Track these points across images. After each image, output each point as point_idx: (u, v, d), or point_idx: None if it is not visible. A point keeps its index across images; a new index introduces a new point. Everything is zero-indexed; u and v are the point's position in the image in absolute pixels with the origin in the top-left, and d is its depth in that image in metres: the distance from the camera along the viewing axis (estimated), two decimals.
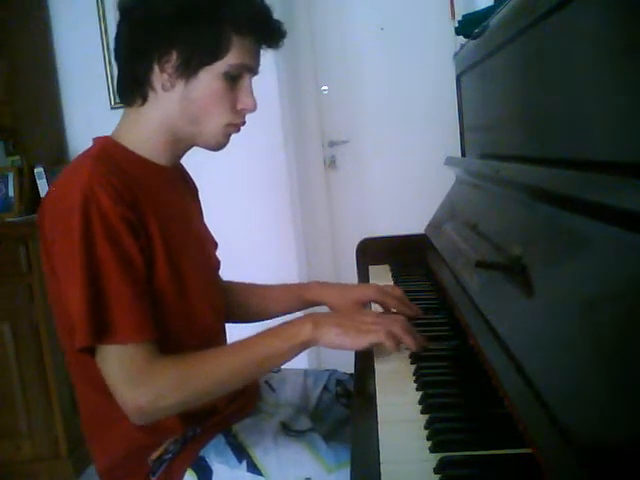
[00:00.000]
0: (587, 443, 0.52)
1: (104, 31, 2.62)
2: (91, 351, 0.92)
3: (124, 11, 1.01)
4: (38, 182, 2.44)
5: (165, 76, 0.99)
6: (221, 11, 0.97)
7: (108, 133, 1.08)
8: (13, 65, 2.42)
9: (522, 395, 0.67)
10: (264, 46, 1.04)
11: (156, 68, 0.99)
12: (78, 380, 1.04)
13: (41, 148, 2.57)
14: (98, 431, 1.06)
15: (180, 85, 1.00)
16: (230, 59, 0.99)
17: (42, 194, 2.43)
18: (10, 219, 2.36)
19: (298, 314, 1.09)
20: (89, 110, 2.66)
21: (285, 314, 1.28)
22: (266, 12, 1.03)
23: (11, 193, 2.43)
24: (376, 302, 1.21)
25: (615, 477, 0.47)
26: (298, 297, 1.28)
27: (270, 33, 1.03)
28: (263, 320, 1.27)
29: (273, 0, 1.06)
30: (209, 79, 0.99)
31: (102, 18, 2.62)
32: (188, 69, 0.98)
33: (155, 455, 1.03)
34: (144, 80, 1.01)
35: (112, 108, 2.65)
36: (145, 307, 0.93)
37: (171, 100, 1.01)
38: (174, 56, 0.98)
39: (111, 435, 1.03)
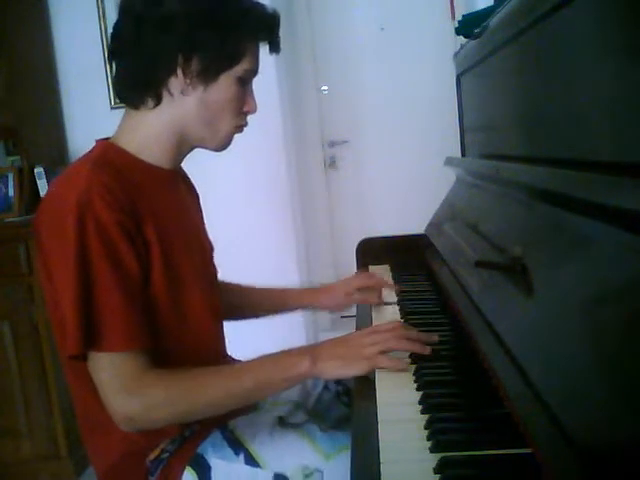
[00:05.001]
0: (587, 443, 0.52)
1: (104, 31, 2.62)
2: (83, 357, 0.92)
3: (136, 16, 0.98)
4: (38, 182, 2.43)
5: (187, 81, 0.99)
6: (242, 18, 1.00)
7: (108, 133, 1.07)
8: (13, 65, 2.42)
9: (522, 395, 0.67)
10: (272, 52, 1.07)
11: (179, 73, 0.99)
12: (74, 384, 1.04)
13: (41, 148, 2.57)
14: (95, 434, 1.06)
15: (199, 90, 1.00)
16: (245, 64, 1.02)
17: (42, 194, 2.42)
18: (10, 219, 2.36)
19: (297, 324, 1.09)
20: (89, 110, 2.66)
21: (268, 315, 1.39)
22: (278, 20, 1.06)
23: (11, 193, 2.43)
24: (360, 288, 1.33)
25: (615, 477, 0.47)
26: (282, 301, 1.38)
27: (277, 39, 1.07)
28: (245, 319, 1.38)
29: (274, 0, 1.06)
30: (227, 84, 1.01)
31: (102, 18, 2.62)
32: (209, 74, 1.00)
33: (153, 456, 1.03)
34: (161, 84, 1.00)
35: (112, 108, 2.65)
36: (137, 315, 0.93)
37: (188, 104, 1.01)
38: (196, 61, 0.99)
39: (108, 437, 1.03)
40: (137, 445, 1.03)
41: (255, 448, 1.02)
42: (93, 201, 0.90)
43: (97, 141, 1.05)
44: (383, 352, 0.93)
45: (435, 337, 0.98)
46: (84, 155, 1.02)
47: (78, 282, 0.89)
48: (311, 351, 0.95)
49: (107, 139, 1.06)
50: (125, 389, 0.90)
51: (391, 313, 1.25)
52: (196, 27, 0.98)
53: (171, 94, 1.01)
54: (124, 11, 1.01)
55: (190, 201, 1.19)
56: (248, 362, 0.97)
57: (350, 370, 0.93)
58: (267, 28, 1.04)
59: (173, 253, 1.01)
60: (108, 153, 1.01)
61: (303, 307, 1.43)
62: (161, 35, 0.98)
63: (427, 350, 0.94)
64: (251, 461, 1.01)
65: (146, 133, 1.04)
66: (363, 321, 1.24)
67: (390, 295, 1.33)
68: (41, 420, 2.25)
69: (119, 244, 0.91)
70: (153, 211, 1.00)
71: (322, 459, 0.99)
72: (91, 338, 0.89)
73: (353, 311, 1.34)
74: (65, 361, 1.02)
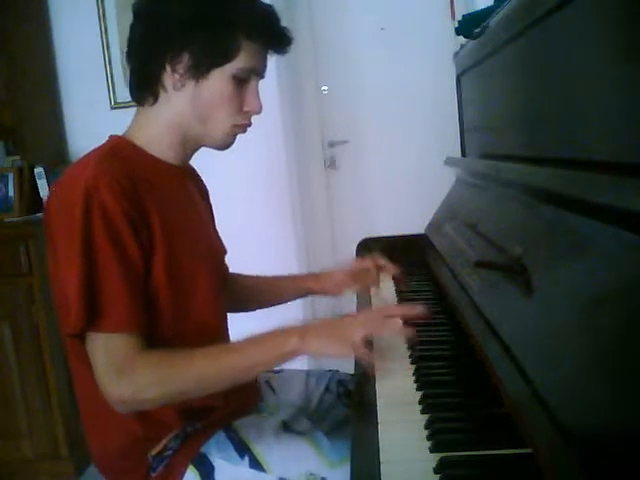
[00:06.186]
0: (587, 443, 0.52)
1: (104, 31, 2.63)
2: (82, 338, 0.94)
3: (138, 14, 1.04)
4: (38, 182, 2.43)
5: (176, 76, 1.02)
6: (233, 16, 1.01)
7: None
8: (13, 65, 2.42)
9: (522, 395, 0.67)
10: (271, 51, 1.07)
11: (168, 68, 1.01)
12: (76, 367, 1.05)
13: (41, 148, 2.57)
14: (97, 423, 1.07)
15: (190, 85, 1.02)
16: (239, 63, 1.02)
17: (42, 194, 2.42)
18: (10, 219, 2.36)
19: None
20: (89, 110, 2.66)
21: (279, 303, 1.40)
22: (275, 19, 1.06)
23: (11, 193, 2.43)
24: (356, 271, 1.33)
25: (615, 477, 0.47)
26: (297, 289, 1.39)
27: (278, 39, 1.06)
28: (257, 309, 1.38)
29: (275, 0, 1.06)
30: (218, 80, 1.02)
31: (102, 18, 2.62)
32: (199, 70, 1.01)
33: (155, 451, 1.04)
34: (156, 79, 1.03)
35: (112, 108, 2.65)
36: (137, 300, 0.95)
37: (181, 99, 1.03)
38: (186, 57, 1.01)
39: (109, 427, 1.04)
40: (137, 436, 1.03)
41: (260, 451, 1.02)
42: (100, 189, 0.93)
43: (110, 136, 1.08)
44: (368, 335, 0.95)
45: (420, 308, 0.98)
46: (94, 149, 1.05)
47: (82, 264, 0.92)
48: (299, 329, 0.96)
49: (118, 135, 1.08)
50: (117, 371, 0.92)
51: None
52: (185, 23, 1.00)
53: (166, 90, 1.04)
54: (133, 11, 1.05)
55: (198, 198, 1.21)
56: (237, 342, 0.98)
57: (333, 349, 0.94)
58: (262, 27, 1.03)
59: (177, 246, 1.03)
60: (118, 146, 1.05)
61: (306, 292, 1.40)
62: (153, 32, 1.01)
63: (411, 332, 0.96)
64: (256, 465, 1.01)
65: (152, 129, 1.07)
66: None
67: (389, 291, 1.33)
68: (41, 420, 2.25)
69: (123, 231, 0.94)
70: (159, 204, 1.01)
71: (327, 467, 0.99)
72: (91, 318, 0.92)
73: (353, 308, 1.34)
74: (68, 344, 1.04)
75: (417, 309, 0.98)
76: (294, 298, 1.41)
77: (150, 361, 0.94)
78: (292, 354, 0.95)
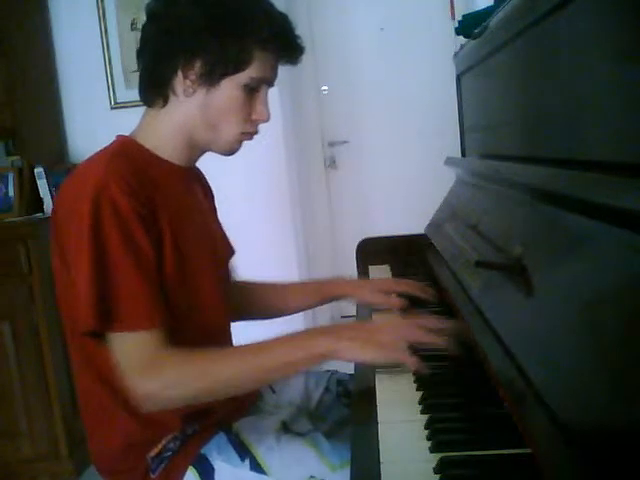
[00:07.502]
0: (587, 443, 0.52)
1: (104, 31, 2.63)
2: (94, 336, 0.93)
3: (152, 15, 1.04)
4: (38, 182, 2.43)
5: (188, 82, 1.01)
6: (248, 26, 1.00)
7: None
8: (13, 65, 2.42)
9: (522, 395, 0.67)
10: (283, 62, 1.07)
11: (180, 74, 1.01)
12: (80, 371, 1.05)
13: (41, 148, 2.57)
14: (97, 423, 1.07)
15: (201, 92, 1.02)
16: (251, 72, 1.01)
17: (42, 194, 2.43)
18: (10, 219, 2.36)
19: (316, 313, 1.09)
20: (89, 110, 2.66)
21: (303, 310, 1.36)
22: (290, 30, 1.05)
23: (11, 193, 2.43)
24: (395, 291, 1.24)
25: (615, 477, 0.47)
26: (318, 294, 1.32)
27: (291, 50, 1.06)
28: (281, 316, 1.34)
29: (275, 0, 1.06)
30: (229, 89, 1.02)
31: (102, 18, 2.62)
32: (211, 78, 1.01)
33: (154, 452, 1.03)
34: (166, 83, 1.03)
35: (112, 108, 2.65)
36: (155, 295, 0.94)
37: (191, 105, 1.03)
38: (198, 64, 1.00)
39: (109, 427, 1.04)
40: (137, 437, 1.03)
41: (261, 454, 1.02)
42: (109, 187, 0.92)
43: (117, 136, 1.08)
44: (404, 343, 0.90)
45: (448, 324, 0.95)
46: (103, 148, 1.05)
47: (93, 263, 0.91)
48: (331, 331, 0.95)
49: (125, 135, 1.08)
50: (142, 368, 0.91)
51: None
52: (200, 31, 0.99)
53: (176, 95, 1.03)
54: (146, 11, 1.05)
55: (204, 200, 1.21)
56: (267, 341, 0.94)
57: (367, 355, 0.90)
58: (276, 39, 1.02)
59: (185, 246, 1.03)
60: (126, 146, 1.05)
61: (332, 299, 1.34)
62: (167, 35, 1.01)
63: (443, 343, 0.91)
64: (257, 467, 1.00)
65: (160, 131, 1.07)
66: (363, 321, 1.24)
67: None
68: (41, 420, 2.25)
69: (134, 228, 0.93)
70: (167, 204, 1.01)
71: (328, 470, 0.98)
72: (108, 317, 0.91)
73: (353, 311, 1.34)
74: (71, 343, 1.03)
75: (447, 325, 0.95)
76: (314, 305, 1.36)
77: (177, 358, 0.93)
78: (325, 356, 0.91)
